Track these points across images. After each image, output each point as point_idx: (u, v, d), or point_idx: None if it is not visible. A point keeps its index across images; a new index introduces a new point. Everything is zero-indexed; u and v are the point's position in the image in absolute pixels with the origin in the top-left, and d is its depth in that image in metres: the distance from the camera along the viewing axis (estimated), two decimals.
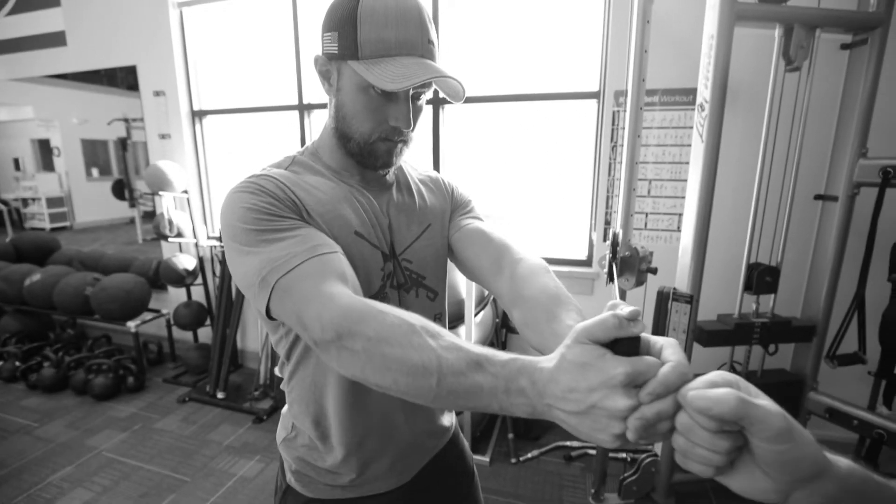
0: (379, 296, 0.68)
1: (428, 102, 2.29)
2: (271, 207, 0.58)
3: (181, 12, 2.68)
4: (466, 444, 0.93)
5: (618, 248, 1.42)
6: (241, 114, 2.76)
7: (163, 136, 2.87)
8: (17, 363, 2.78)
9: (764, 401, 0.32)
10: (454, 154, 2.42)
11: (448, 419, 0.85)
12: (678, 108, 1.84)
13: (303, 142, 2.62)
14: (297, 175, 0.66)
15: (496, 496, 1.81)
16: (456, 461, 0.87)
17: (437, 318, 0.79)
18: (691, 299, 1.51)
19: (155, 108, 2.83)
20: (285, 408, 0.78)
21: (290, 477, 0.75)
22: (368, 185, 0.70)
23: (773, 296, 1.60)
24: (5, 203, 8.81)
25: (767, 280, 1.56)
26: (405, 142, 0.66)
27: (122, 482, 1.92)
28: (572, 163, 2.22)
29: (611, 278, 1.44)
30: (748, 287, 1.58)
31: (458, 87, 0.62)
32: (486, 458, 1.98)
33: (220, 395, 2.53)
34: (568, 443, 2.08)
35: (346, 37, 0.58)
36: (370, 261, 0.66)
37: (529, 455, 2.02)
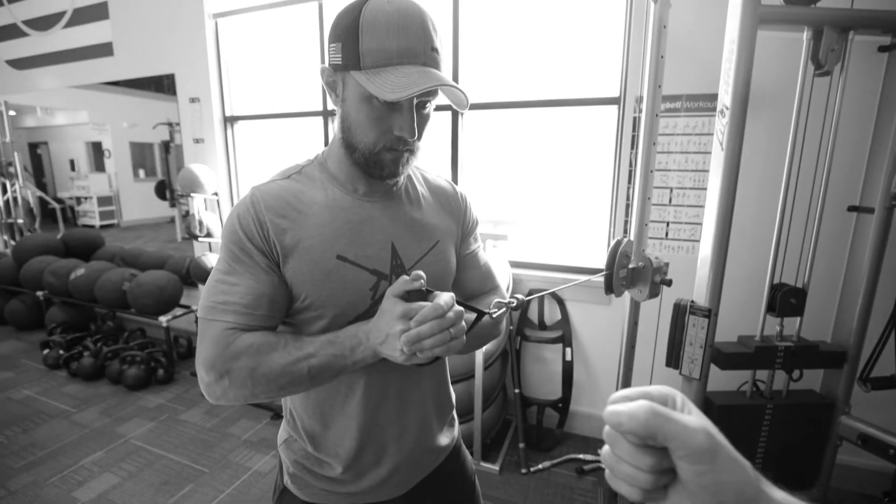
0: (367, 314, 0.67)
1: (446, 109, 2.31)
2: (238, 245, 0.63)
3: (216, 23, 2.81)
4: (469, 456, 0.93)
5: (616, 257, 1.38)
6: (270, 119, 2.87)
7: (197, 141, 3.01)
8: (61, 352, 2.97)
9: (688, 417, 0.29)
10: (473, 160, 2.42)
11: (447, 437, 0.84)
12: (702, 114, 1.77)
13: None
14: (299, 188, 0.67)
15: None
16: (456, 474, 0.87)
17: None
18: (709, 313, 1.45)
19: (190, 114, 2.98)
20: (286, 412, 0.80)
21: (287, 479, 0.76)
22: (374, 197, 0.70)
23: (799, 318, 1.51)
24: (60, 201, 9.45)
25: (792, 302, 1.47)
26: (411, 151, 0.66)
27: (146, 469, 2.01)
28: (592, 170, 2.18)
29: (608, 289, 1.39)
30: (771, 308, 1.50)
31: (461, 96, 0.62)
32: (496, 467, 1.96)
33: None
34: (581, 456, 2.03)
35: (349, 47, 0.58)
36: (354, 282, 0.66)
37: (540, 466, 1.98)
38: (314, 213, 0.66)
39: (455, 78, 2.26)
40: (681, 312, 1.51)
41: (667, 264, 1.46)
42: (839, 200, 1.54)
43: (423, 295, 0.57)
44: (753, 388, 1.58)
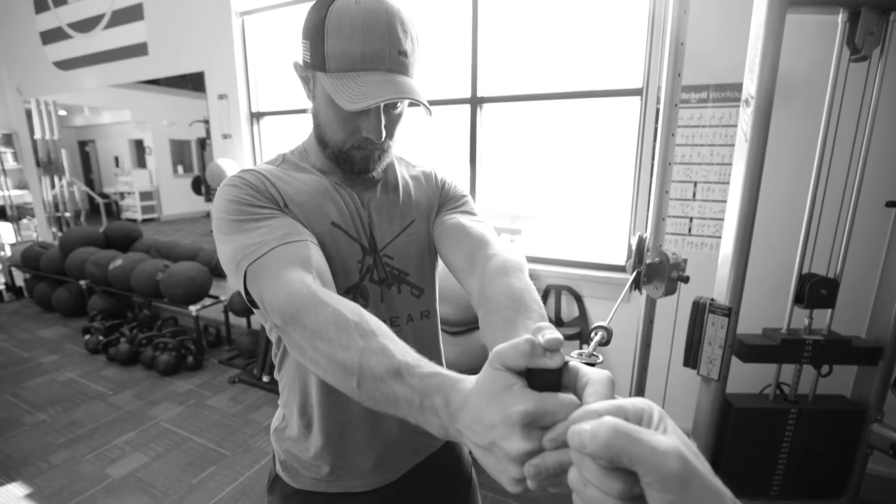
0: (357, 289, 0.68)
1: (465, 102, 2.30)
2: (250, 198, 0.61)
3: (243, 21, 2.89)
4: (466, 450, 0.90)
5: (644, 254, 1.34)
6: (294, 115, 2.93)
7: (225, 136, 3.11)
8: (101, 338, 3.15)
9: (659, 437, 0.25)
10: (491, 154, 2.40)
11: None
12: (729, 104, 1.69)
13: None
14: (283, 171, 0.69)
15: (513, 500, 1.78)
16: (451, 465, 0.85)
17: (425, 316, 0.78)
18: (730, 312, 1.39)
19: (218, 111, 3.08)
20: (280, 398, 0.80)
21: (279, 467, 0.77)
22: (352, 183, 0.71)
23: (829, 311, 1.43)
24: (105, 196, 9.96)
25: (822, 293, 1.39)
26: (382, 150, 0.66)
27: (173, 450, 2.12)
28: (613, 164, 2.12)
29: (636, 286, 1.36)
30: (799, 300, 1.43)
31: (425, 108, 0.60)
32: None
33: (265, 379, 2.70)
34: None
35: (316, 48, 0.58)
36: (347, 252, 0.67)
37: None
38: (304, 184, 0.67)
39: (473, 71, 2.24)
40: (700, 311, 1.46)
41: (685, 260, 1.40)
42: (876, 194, 1.44)
43: (560, 375, 0.33)
44: (777, 390, 1.51)
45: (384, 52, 0.57)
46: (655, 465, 0.24)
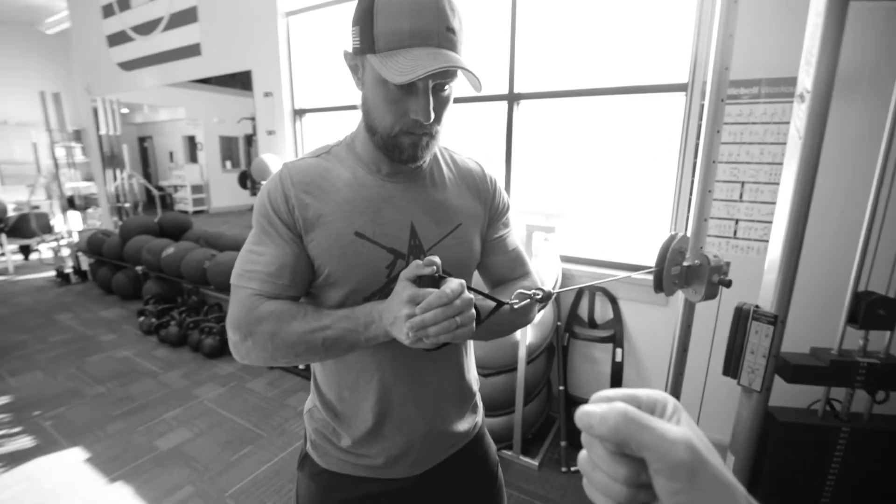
0: (381, 292, 0.69)
1: (502, 99, 2.28)
2: (267, 217, 0.67)
3: (288, 21, 2.99)
4: (492, 447, 0.92)
5: (668, 253, 1.28)
6: (335, 111, 3.01)
7: (269, 133, 3.23)
8: (153, 320, 3.37)
9: (668, 426, 0.25)
10: (528, 150, 2.37)
11: (467, 423, 0.83)
12: (782, 100, 1.59)
13: None
14: (326, 166, 0.70)
15: (540, 502, 1.76)
16: (475, 463, 0.86)
17: None
18: (775, 320, 1.32)
19: (264, 108, 3.21)
20: (312, 383, 0.83)
21: (309, 446, 0.80)
22: (397, 178, 0.71)
23: (888, 333, 1.33)
24: (160, 189, 10.57)
25: (881, 314, 1.29)
26: (430, 135, 0.65)
27: (214, 428, 2.24)
28: (654, 162, 2.05)
29: (657, 286, 1.31)
30: (853, 319, 1.33)
31: (475, 78, 0.60)
32: (536, 462, 1.94)
33: (300, 366, 2.81)
34: None
35: (366, 31, 0.59)
36: (371, 260, 0.68)
37: None
38: (337, 189, 0.68)
39: (511, 67, 2.22)
40: (742, 317, 1.39)
41: (727, 264, 1.34)
42: None
43: (435, 281, 0.57)
44: (827, 407, 1.42)
45: (432, 27, 0.57)
46: (664, 453, 0.24)
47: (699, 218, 1.37)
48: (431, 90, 0.61)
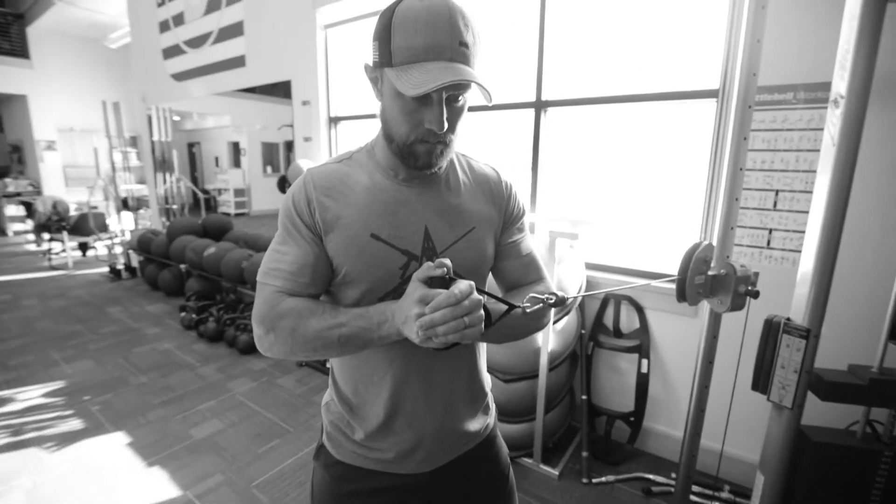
0: (395, 293, 0.72)
1: (529, 106, 2.30)
2: (291, 220, 0.72)
3: (326, 33, 3.13)
4: (504, 450, 0.92)
5: (691, 262, 1.26)
6: (367, 119, 3.11)
7: (306, 139, 3.37)
8: (193, 316, 3.56)
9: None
10: (555, 158, 2.37)
11: (478, 423, 0.85)
12: (820, 105, 1.53)
13: None
14: (347, 171, 0.74)
15: None
16: (486, 464, 0.87)
17: None
18: (807, 334, 1.26)
19: (302, 116, 3.35)
20: (330, 377, 0.87)
21: (325, 437, 0.84)
22: (413, 182, 0.74)
23: None
24: (206, 192, 11.09)
25: None
26: (444, 143, 0.67)
27: (244, 421, 2.34)
28: (684, 170, 2.00)
29: (680, 295, 1.28)
30: (894, 335, 1.26)
31: (486, 91, 0.62)
32: (556, 472, 1.92)
33: (328, 365, 2.88)
34: (651, 476, 1.89)
35: (384, 45, 0.62)
36: (386, 261, 0.70)
37: (604, 479, 1.89)
38: (356, 193, 0.72)
39: (539, 74, 2.23)
40: (773, 330, 1.34)
41: (756, 274, 1.30)
42: None
43: (445, 282, 0.58)
44: (867, 428, 1.34)
45: (445, 42, 0.59)
46: None
47: (726, 226, 1.34)
48: (445, 101, 0.63)
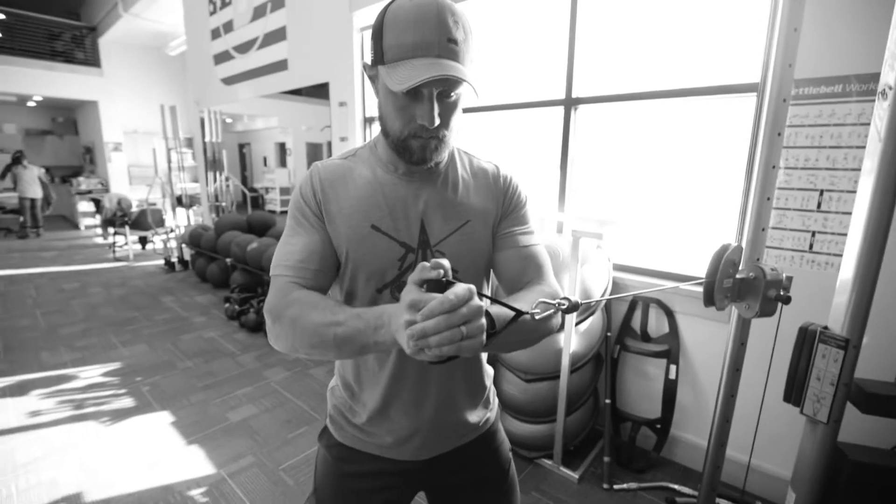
0: (395, 284, 0.74)
1: (559, 104, 2.26)
2: (300, 210, 0.75)
3: (362, 35, 3.21)
4: (506, 443, 0.93)
5: (721, 264, 1.20)
6: None
7: (342, 139, 3.48)
8: (236, 307, 3.76)
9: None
10: (585, 156, 2.32)
11: (477, 416, 0.86)
12: (868, 99, 1.42)
13: None
14: (350, 166, 0.77)
15: None
16: (484, 458, 0.88)
17: None
18: (846, 344, 1.17)
19: (339, 116, 3.46)
20: (337, 362, 0.90)
21: (328, 420, 0.88)
22: (412, 177, 0.76)
23: None
24: (254, 190, 11.62)
25: None
26: (438, 139, 0.68)
27: (277, 408, 2.46)
28: (720, 167, 1.91)
29: (708, 300, 1.22)
30: None
31: (471, 87, 0.63)
32: (576, 475, 1.88)
33: None
34: (675, 486, 1.81)
35: (377, 45, 0.65)
36: (385, 251, 0.73)
37: (626, 486, 1.83)
38: (358, 186, 0.75)
39: (570, 70, 2.20)
40: (808, 339, 1.25)
41: (789, 278, 1.22)
42: None
43: (441, 286, 0.51)
44: None
45: (433, 39, 0.61)
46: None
47: (756, 226, 1.27)
48: (437, 97, 0.65)
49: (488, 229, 0.80)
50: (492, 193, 0.81)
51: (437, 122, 0.65)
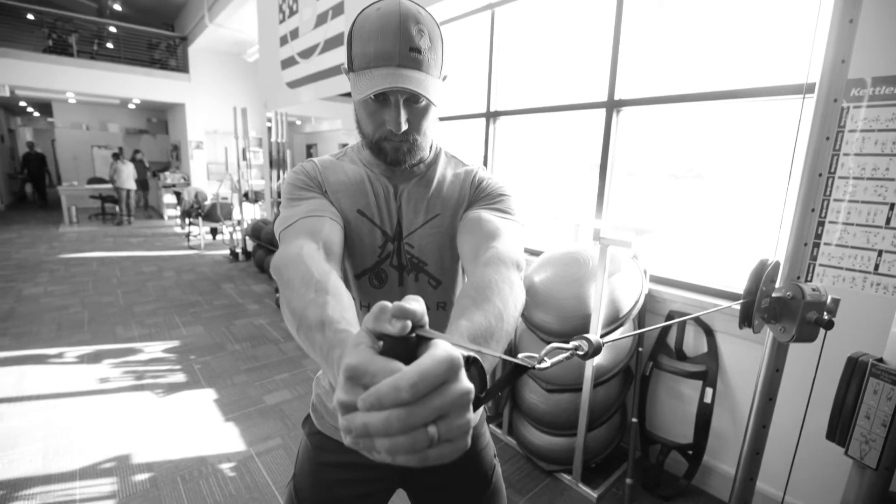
0: (372, 271, 0.77)
1: (600, 107, 2.18)
2: (301, 183, 0.77)
3: None
4: (490, 450, 0.92)
5: (761, 282, 1.09)
6: (446, 121, 3.21)
7: None
8: (277, 294, 3.98)
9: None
10: (623, 161, 2.21)
11: None
12: None
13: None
14: (338, 161, 0.82)
15: None
16: (467, 462, 0.87)
17: (441, 307, 0.83)
18: None
19: None
20: None
21: (311, 408, 0.91)
22: (392, 175, 0.79)
23: None
24: None
25: None
26: (409, 142, 0.70)
27: (309, 394, 2.57)
28: (771, 176, 1.74)
29: (744, 320, 1.11)
30: None
31: (425, 95, 0.64)
32: (595, 494, 1.79)
33: None
34: None
35: (348, 52, 0.69)
36: (368, 237, 0.77)
37: None
38: (348, 175, 0.79)
39: (613, 70, 2.10)
40: (857, 372, 1.11)
41: (835, 300, 1.09)
42: None
43: (410, 346, 0.32)
44: None
45: (394, 49, 0.63)
46: None
47: (798, 241, 1.15)
48: (404, 103, 0.66)
49: (457, 221, 0.79)
50: (465, 191, 0.81)
51: (404, 127, 0.67)
